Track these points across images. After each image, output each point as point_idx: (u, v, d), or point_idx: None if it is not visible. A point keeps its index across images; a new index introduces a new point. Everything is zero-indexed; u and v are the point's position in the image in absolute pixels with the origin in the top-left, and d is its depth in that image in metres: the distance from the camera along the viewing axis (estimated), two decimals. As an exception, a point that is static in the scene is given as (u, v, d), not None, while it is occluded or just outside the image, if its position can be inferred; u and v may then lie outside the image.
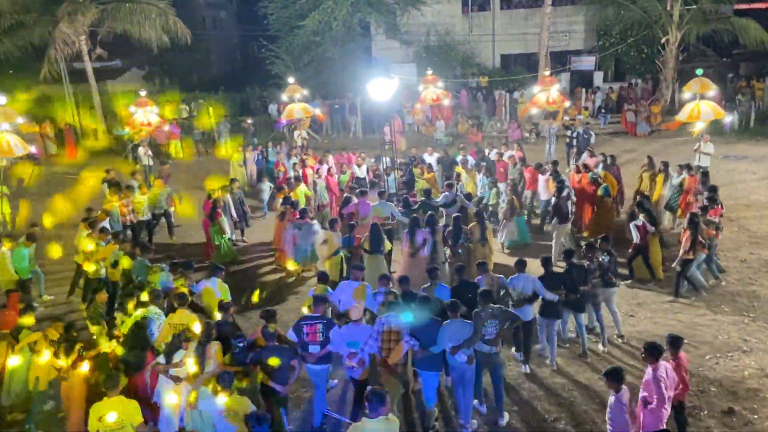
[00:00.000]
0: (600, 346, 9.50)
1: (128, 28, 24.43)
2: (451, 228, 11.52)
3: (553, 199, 13.32)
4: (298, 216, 12.68)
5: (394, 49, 32.67)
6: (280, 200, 13.78)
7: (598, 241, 9.82)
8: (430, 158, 17.70)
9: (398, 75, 20.70)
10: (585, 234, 13.90)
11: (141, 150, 19.86)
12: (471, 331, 7.51)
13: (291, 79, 21.39)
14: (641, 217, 11.47)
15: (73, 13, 23.25)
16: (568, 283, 9.04)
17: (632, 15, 27.31)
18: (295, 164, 17.58)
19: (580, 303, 9.23)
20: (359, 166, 16.99)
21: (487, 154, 17.52)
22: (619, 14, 28.01)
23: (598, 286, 9.39)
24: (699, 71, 16.36)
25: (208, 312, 9.21)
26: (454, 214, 11.96)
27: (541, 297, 8.88)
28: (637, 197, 13.28)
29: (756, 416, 7.74)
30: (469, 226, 11.71)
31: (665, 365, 6.62)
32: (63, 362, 7.71)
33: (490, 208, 14.48)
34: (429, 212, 11.97)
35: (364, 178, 16.49)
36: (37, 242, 11.93)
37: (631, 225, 11.55)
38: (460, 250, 11.46)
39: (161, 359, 7.45)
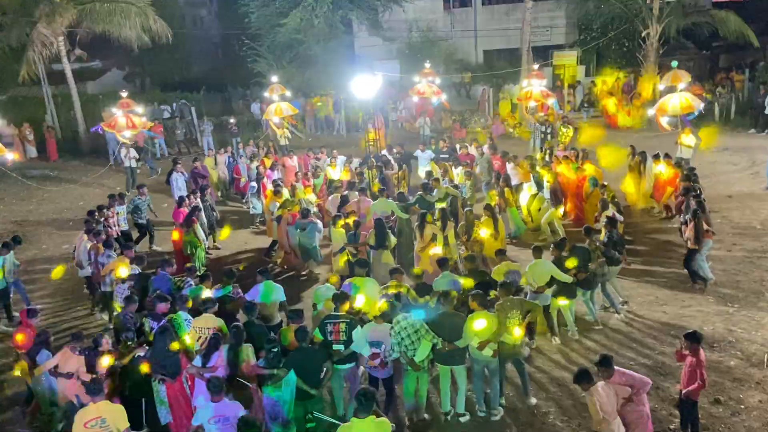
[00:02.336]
0: (616, 315, 10.22)
1: (107, 28, 24.08)
2: (463, 222, 11.62)
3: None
4: (299, 216, 12.56)
5: (377, 46, 32.66)
6: (277, 204, 13.39)
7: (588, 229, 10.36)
8: (390, 155, 17.60)
9: (381, 72, 20.66)
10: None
11: (123, 152, 19.55)
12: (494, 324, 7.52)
13: (274, 78, 21.26)
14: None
15: (50, 13, 22.87)
16: (579, 264, 9.42)
17: (613, 9, 27.56)
18: (258, 167, 17.25)
19: (591, 281, 9.68)
20: (333, 168, 16.85)
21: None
22: (600, 8, 28.28)
23: (603, 264, 9.89)
24: (674, 63, 16.73)
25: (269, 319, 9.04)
26: (467, 208, 12.18)
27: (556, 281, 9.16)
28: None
29: (743, 406, 7.81)
30: (482, 219, 11.77)
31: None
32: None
33: (468, 202, 14.50)
34: (430, 207, 12.16)
35: (339, 180, 16.23)
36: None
37: None
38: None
39: (197, 362, 7.38)
